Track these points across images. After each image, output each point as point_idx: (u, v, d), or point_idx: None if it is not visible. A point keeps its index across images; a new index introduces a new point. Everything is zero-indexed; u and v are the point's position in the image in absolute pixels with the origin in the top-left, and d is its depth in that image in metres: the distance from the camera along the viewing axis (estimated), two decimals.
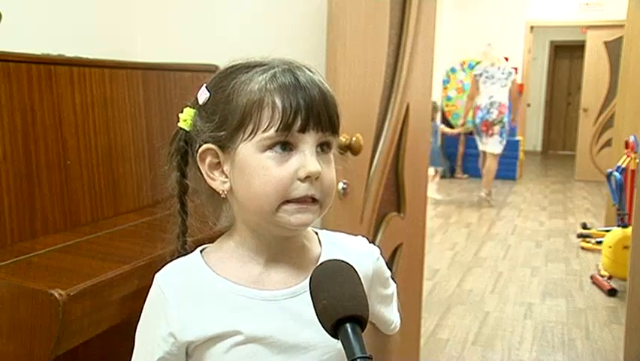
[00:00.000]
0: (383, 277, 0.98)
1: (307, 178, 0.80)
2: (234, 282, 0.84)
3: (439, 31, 6.46)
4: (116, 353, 1.12)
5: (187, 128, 0.88)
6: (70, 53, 1.38)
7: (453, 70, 9.06)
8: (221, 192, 0.85)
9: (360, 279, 0.74)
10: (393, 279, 1.03)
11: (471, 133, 7.45)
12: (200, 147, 0.85)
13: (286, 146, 0.80)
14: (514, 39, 8.77)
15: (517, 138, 8.32)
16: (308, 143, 0.80)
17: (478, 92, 6.63)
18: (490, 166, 6.64)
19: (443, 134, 8.00)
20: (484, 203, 6.65)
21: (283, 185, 0.80)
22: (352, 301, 0.70)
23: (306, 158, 0.80)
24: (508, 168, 8.07)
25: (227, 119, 0.82)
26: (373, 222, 2.01)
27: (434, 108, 7.23)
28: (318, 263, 0.77)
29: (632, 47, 5.51)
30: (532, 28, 9.06)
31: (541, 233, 5.53)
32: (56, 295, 0.93)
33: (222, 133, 0.83)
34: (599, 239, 4.81)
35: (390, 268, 1.02)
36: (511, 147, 7.30)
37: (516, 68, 7.55)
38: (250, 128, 0.80)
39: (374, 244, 0.98)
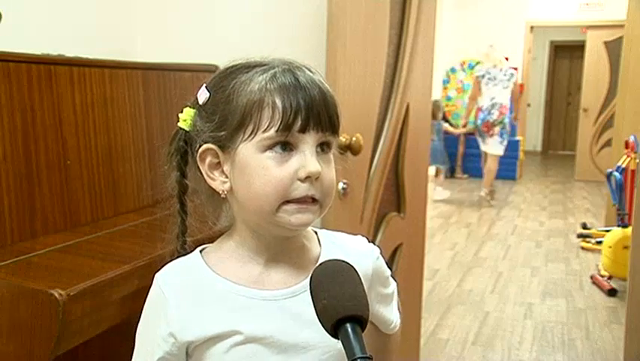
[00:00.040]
0: (383, 276, 0.98)
1: (307, 178, 0.80)
2: (234, 282, 0.84)
3: (439, 31, 6.47)
4: (116, 353, 1.12)
5: (187, 128, 0.88)
6: (70, 53, 1.38)
7: (453, 70, 9.06)
8: (221, 192, 0.85)
9: (360, 279, 0.74)
10: (393, 278, 1.03)
11: (472, 133, 7.47)
12: (200, 147, 0.85)
13: (286, 146, 0.80)
14: (514, 39, 8.77)
15: (517, 138, 8.32)
16: (308, 143, 0.80)
17: (480, 93, 6.68)
18: (490, 166, 6.69)
19: (447, 133, 7.99)
20: (483, 202, 6.67)
21: (283, 185, 0.80)
22: (352, 301, 0.70)
23: (306, 158, 0.80)
24: (508, 168, 8.07)
25: (228, 120, 0.82)
26: (373, 222, 2.01)
27: (438, 107, 7.25)
28: (319, 263, 0.77)
29: (632, 47, 5.51)
30: (532, 28, 9.06)
31: (541, 233, 5.53)
32: (56, 295, 0.93)
33: (222, 133, 0.82)
34: (599, 239, 4.81)
35: (390, 268, 1.01)
36: (511, 147, 7.31)
37: (516, 68, 7.56)
38: (250, 128, 0.80)
39: (374, 244, 0.98)
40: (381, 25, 1.94)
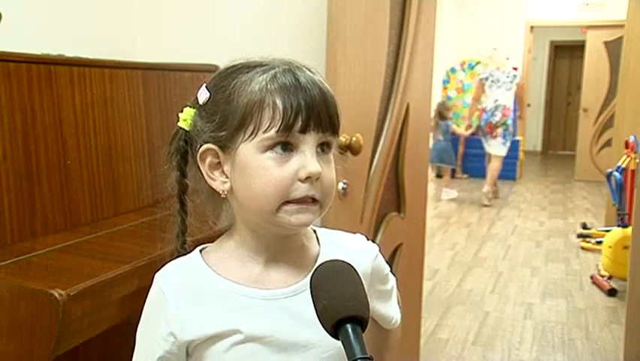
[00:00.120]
0: (382, 274, 0.99)
1: (307, 179, 0.80)
2: (234, 281, 0.84)
3: (439, 31, 6.46)
4: (116, 353, 1.12)
5: (187, 128, 0.88)
6: (70, 53, 1.38)
7: (453, 70, 9.06)
8: (221, 192, 0.85)
9: (360, 279, 0.74)
10: (393, 273, 1.03)
11: (473, 134, 7.50)
12: (200, 146, 0.85)
13: (287, 146, 0.80)
14: (514, 39, 8.77)
15: (517, 137, 8.32)
16: (308, 143, 0.80)
17: (484, 94, 6.75)
18: (493, 165, 6.78)
19: (454, 134, 8.00)
20: (483, 199, 6.70)
21: (283, 185, 0.80)
22: (353, 301, 0.70)
23: (306, 158, 0.80)
24: (508, 168, 8.06)
25: (228, 120, 0.82)
26: (373, 222, 2.01)
27: (446, 108, 7.30)
28: (319, 263, 0.77)
29: (632, 47, 5.51)
30: (532, 28, 9.06)
31: (541, 233, 5.53)
32: (56, 295, 0.93)
33: (223, 133, 0.83)
34: (599, 239, 4.81)
35: (390, 268, 1.02)
36: (511, 147, 7.30)
37: (516, 68, 7.56)
38: (251, 128, 0.80)
39: (373, 242, 0.98)
40: (381, 25, 1.94)
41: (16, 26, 1.43)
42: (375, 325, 1.03)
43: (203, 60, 1.67)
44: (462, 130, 7.89)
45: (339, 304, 0.69)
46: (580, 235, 5.26)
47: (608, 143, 7.67)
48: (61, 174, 1.25)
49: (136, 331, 0.88)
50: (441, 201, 6.89)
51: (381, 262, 0.98)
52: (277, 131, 0.79)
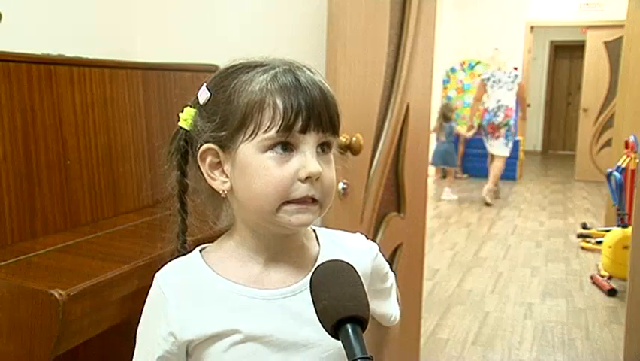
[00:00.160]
0: (382, 273, 0.99)
1: (308, 179, 0.80)
2: (234, 281, 0.84)
3: (439, 31, 6.47)
4: (116, 353, 1.12)
5: (187, 128, 0.88)
6: (70, 53, 1.38)
7: (453, 70, 9.05)
8: (221, 191, 0.85)
9: (360, 279, 0.74)
10: (392, 271, 1.03)
11: (475, 134, 7.51)
12: (200, 146, 0.85)
13: (287, 146, 0.80)
14: (514, 39, 8.77)
15: (518, 137, 8.32)
16: (309, 143, 0.80)
17: (486, 94, 6.76)
18: (496, 165, 6.81)
19: (457, 135, 8.00)
20: (486, 197, 6.71)
21: (284, 185, 0.80)
22: (353, 301, 0.70)
23: (306, 158, 0.80)
24: (508, 168, 8.04)
25: (228, 120, 0.82)
26: (373, 222, 2.01)
27: (450, 109, 7.30)
28: (319, 263, 0.77)
29: (632, 47, 5.51)
30: (532, 28, 9.06)
31: (541, 233, 5.53)
32: (56, 295, 0.93)
33: (223, 133, 0.83)
34: (599, 239, 4.81)
35: (389, 266, 1.02)
36: (512, 147, 7.33)
37: (516, 68, 7.56)
38: (251, 128, 0.80)
39: (373, 242, 0.98)
40: (381, 25, 1.94)
41: (16, 26, 1.43)
42: (374, 322, 1.03)
43: (203, 60, 1.67)
44: (464, 131, 7.90)
45: (339, 305, 0.69)
46: (580, 235, 5.26)
47: (608, 143, 7.67)
48: (61, 174, 1.25)
49: (136, 331, 0.88)
50: (441, 201, 6.90)
51: (381, 261, 0.98)
52: (277, 132, 0.79)
